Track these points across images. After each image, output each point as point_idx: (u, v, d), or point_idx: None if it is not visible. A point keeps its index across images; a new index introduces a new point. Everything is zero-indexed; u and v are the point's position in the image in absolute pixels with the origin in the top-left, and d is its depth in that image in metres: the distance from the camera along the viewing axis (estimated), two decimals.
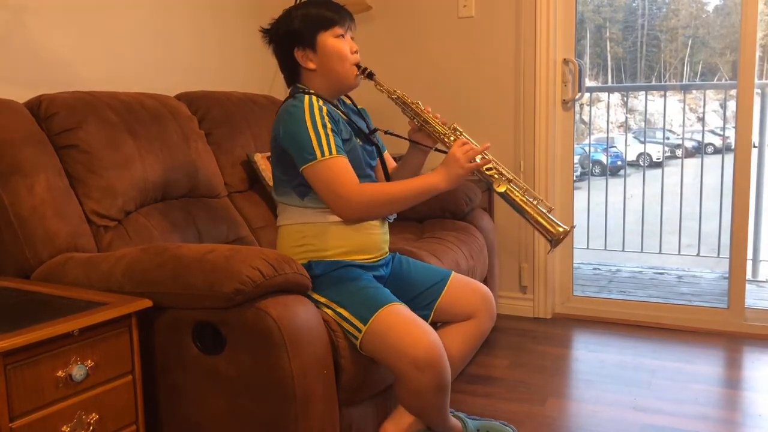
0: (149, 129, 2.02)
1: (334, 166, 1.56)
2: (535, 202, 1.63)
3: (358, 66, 1.70)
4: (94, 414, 1.37)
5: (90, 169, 1.83)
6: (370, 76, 1.71)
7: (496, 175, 1.63)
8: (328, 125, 1.58)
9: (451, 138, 1.68)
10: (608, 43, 13.67)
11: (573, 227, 1.71)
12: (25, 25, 2.03)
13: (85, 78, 2.21)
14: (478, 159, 1.63)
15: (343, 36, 1.69)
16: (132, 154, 1.92)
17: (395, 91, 1.73)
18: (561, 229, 1.59)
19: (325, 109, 1.60)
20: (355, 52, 1.70)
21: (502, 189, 1.61)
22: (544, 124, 2.96)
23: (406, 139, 1.79)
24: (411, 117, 1.73)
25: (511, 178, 1.64)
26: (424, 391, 1.53)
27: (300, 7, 1.71)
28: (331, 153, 1.56)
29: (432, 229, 2.54)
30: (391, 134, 1.81)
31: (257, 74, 2.97)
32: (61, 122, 1.82)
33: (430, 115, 1.71)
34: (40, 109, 1.83)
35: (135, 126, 1.98)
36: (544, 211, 1.62)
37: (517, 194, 1.62)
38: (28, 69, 2.05)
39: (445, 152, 1.66)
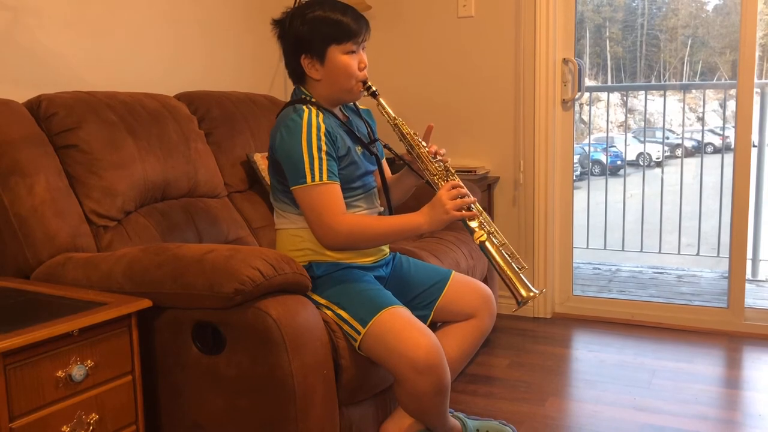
0: (149, 129, 2.02)
1: (323, 192, 1.55)
2: (510, 260, 1.61)
3: (363, 82, 1.66)
4: (94, 414, 1.37)
5: (90, 169, 1.83)
6: (374, 95, 1.67)
7: (477, 226, 1.60)
8: (324, 147, 1.55)
9: (442, 178, 1.63)
10: (608, 42, 13.66)
11: (542, 291, 1.71)
12: (25, 25, 2.03)
13: (85, 78, 2.21)
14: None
15: (355, 51, 1.63)
16: (132, 154, 1.92)
17: (395, 117, 1.68)
18: (532, 294, 1.59)
19: (323, 127, 1.57)
20: (364, 67, 1.65)
21: (481, 240, 1.59)
22: (543, 123, 2.96)
23: (402, 161, 1.76)
24: (406, 148, 1.69)
25: (492, 230, 1.62)
26: (423, 394, 1.53)
27: (318, 6, 1.62)
28: (321, 179, 1.54)
29: None
30: (389, 149, 1.80)
31: (257, 74, 2.97)
32: (60, 122, 1.82)
33: (425, 150, 1.66)
34: (39, 109, 1.83)
35: (135, 126, 1.98)
36: (518, 269, 1.61)
37: (494, 248, 1.60)
38: (28, 69, 2.05)
39: (434, 190, 1.63)
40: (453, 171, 1.66)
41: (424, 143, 1.68)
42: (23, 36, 2.03)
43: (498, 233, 1.63)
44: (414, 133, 1.69)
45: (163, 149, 2.03)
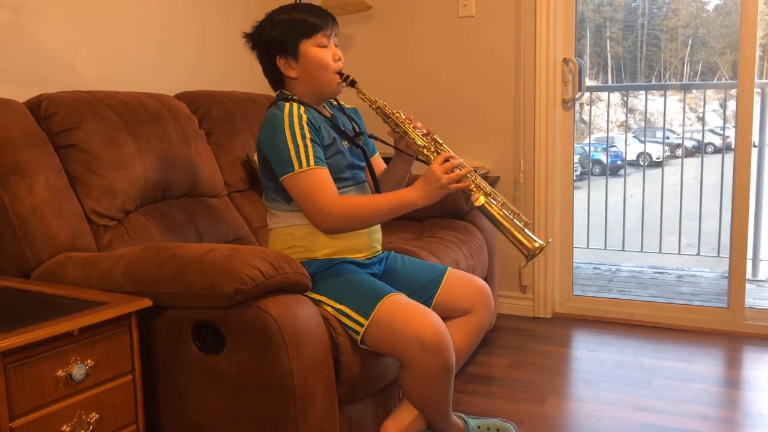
0: (149, 129, 2.02)
1: (312, 177, 1.56)
2: (512, 216, 1.61)
3: (340, 74, 1.68)
4: (94, 414, 1.37)
5: (90, 169, 1.83)
6: (352, 84, 1.69)
7: (474, 189, 1.60)
8: (308, 135, 1.57)
9: (432, 150, 1.64)
10: (608, 42, 13.67)
11: (549, 242, 1.71)
12: (25, 25, 2.03)
13: (85, 78, 2.21)
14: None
15: (326, 44, 1.67)
16: (132, 154, 1.92)
17: (376, 100, 1.70)
18: (537, 245, 1.59)
19: (305, 117, 1.59)
20: (339, 59, 1.68)
21: (480, 203, 1.60)
22: (544, 123, 2.96)
23: (390, 146, 1.77)
24: (392, 127, 1.70)
25: (489, 192, 1.63)
26: (430, 375, 1.54)
27: (282, 11, 1.70)
28: (309, 164, 1.55)
29: (432, 229, 2.54)
30: (376, 139, 1.80)
31: (257, 73, 2.96)
32: (60, 122, 1.82)
33: (410, 126, 1.67)
34: (39, 108, 1.83)
35: (135, 126, 1.98)
36: (521, 225, 1.61)
37: (494, 208, 1.60)
38: (28, 69, 2.05)
39: (427, 163, 1.64)
40: (441, 141, 1.67)
41: (408, 120, 1.69)
42: (23, 36, 2.03)
43: (496, 194, 1.64)
44: (397, 112, 1.70)
45: (164, 149, 2.03)
